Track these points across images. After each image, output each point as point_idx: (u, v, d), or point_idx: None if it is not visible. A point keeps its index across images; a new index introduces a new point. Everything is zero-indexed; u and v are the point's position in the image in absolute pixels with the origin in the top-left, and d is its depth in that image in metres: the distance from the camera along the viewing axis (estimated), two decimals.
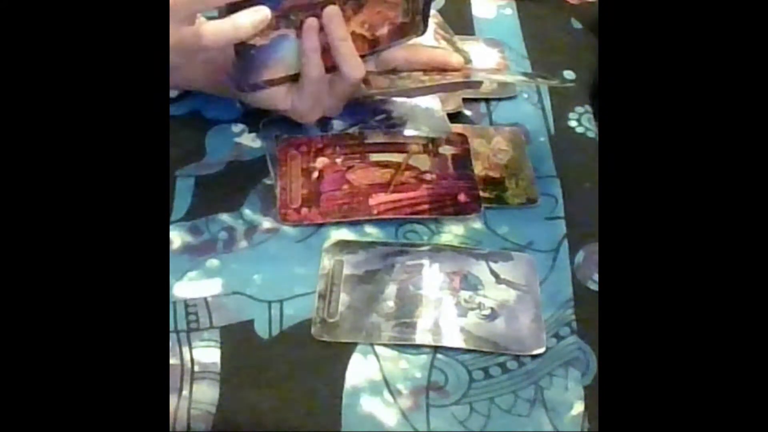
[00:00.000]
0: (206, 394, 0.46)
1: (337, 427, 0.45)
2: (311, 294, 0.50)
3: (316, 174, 0.57)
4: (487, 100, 0.64)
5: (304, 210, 0.55)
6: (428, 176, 0.57)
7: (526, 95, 0.65)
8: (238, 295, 0.50)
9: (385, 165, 0.57)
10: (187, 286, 0.51)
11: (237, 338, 0.48)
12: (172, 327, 0.48)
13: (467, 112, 0.63)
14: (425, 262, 0.52)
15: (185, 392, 0.46)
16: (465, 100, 0.63)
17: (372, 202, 0.55)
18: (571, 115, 0.63)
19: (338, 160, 0.58)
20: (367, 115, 0.61)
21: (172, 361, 0.47)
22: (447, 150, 0.59)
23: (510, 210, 0.56)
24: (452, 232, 0.55)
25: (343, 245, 0.53)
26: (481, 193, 0.57)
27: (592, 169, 0.58)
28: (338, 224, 0.54)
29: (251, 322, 0.49)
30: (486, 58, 0.67)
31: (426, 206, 0.55)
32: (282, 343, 0.48)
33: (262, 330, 0.49)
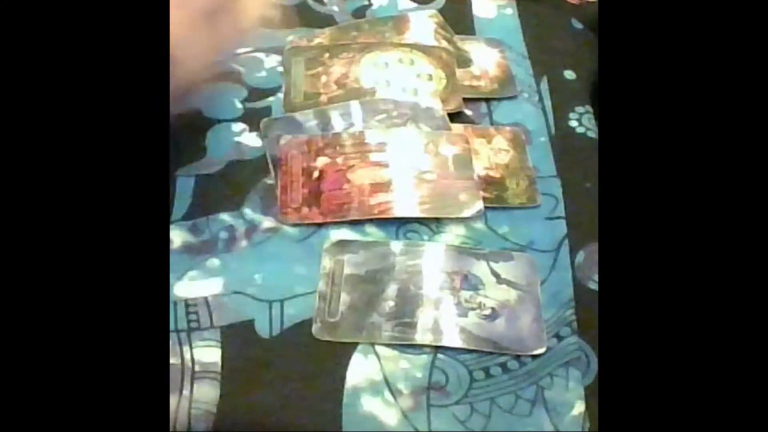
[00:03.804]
0: (207, 394, 0.46)
1: (338, 427, 0.45)
2: (312, 294, 0.50)
3: (316, 173, 0.57)
4: (487, 100, 0.64)
5: (305, 209, 0.55)
6: (429, 176, 0.57)
7: (526, 95, 0.65)
8: (238, 294, 0.50)
9: (385, 164, 0.57)
10: (188, 286, 0.51)
11: (237, 338, 0.48)
12: (172, 327, 0.48)
13: (468, 112, 0.63)
14: (426, 261, 0.52)
15: (186, 392, 0.46)
16: (465, 99, 0.63)
17: (372, 201, 0.55)
18: (571, 115, 0.63)
19: (339, 160, 0.58)
20: (367, 116, 0.61)
21: (172, 360, 0.47)
22: (448, 150, 0.59)
23: (510, 210, 0.56)
24: (453, 232, 0.55)
25: (344, 245, 0.53)
26: (482, 193, 0.56)
27: (592, 169, 0.58)
28: (339, 224, 0.54)
29: (252, 321, 0.49)
30: (486, 58, 0.67)
31: (427, 206, 0.55)
32: (283, 342, 0.48)
33: (262, 330, 0.49)
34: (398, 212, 0.55)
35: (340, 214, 0.55)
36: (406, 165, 0.57)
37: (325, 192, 0.56)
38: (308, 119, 0.61)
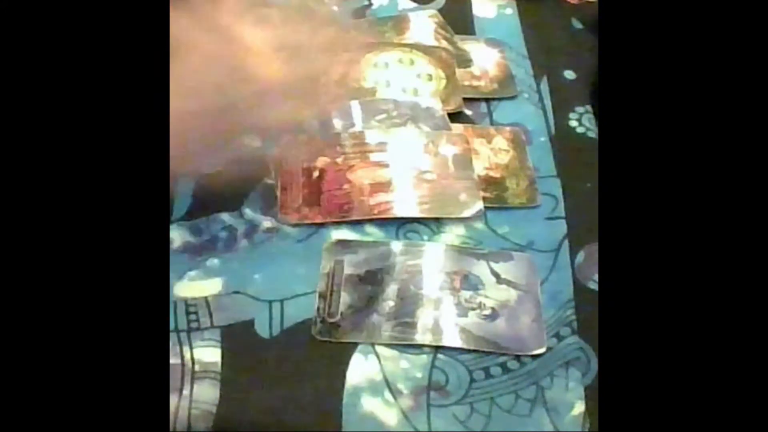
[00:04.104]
0: (207, 394, 0.46)
1: (338, 427, 0.45)
2: (312, 294, 0.50)
3: (316, 173, 0.57)
4: (487, 100, 0.64)
5: (305, 209, 0.55)
6: (429, 176, 0.57)
7: (526, 95, 0.65)
8: (238, 294, 0.50)
9: (385, 165, 0.57)
10: (188, 286, 0.51)
11: (237, 338, 0.48)
12: (172, 327, 0.48)
13: (468, 112, 0.63)
14: (426, 261, 0.52)
15: (186, 392, 0.46)
16: (466, 99, 0.63)
17: (372, 201, 0.55)
18: (571, 115, 0.63)
19: (339, 160, 0.58)
20: (367, 116, 0.61)
21: (172, 360, 0.47)
22: (448, 150, 0.59)
23: (510, 210, 0.56)
24: (453, 232, 0.55)
25: (344, 245, 0.53)
26: (482, 193, 0.56)
27: (592, 169, 0.58)
28: (339, 224, 0.54)
29: (252, 321, 0.49)
30: (486, 58, 0.67)
31: (426, 206, 0.55)
32: (282, 342, 0.48)
33: (262, 330, 0.49)
34: (398, 212, 0.55)
35: (340, 214, 0.54)
36: (406, 165, 0.57)
37: (325, 192, 0.56)
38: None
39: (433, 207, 0.55)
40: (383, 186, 0.56)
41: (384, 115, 0.61)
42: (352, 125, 0.60)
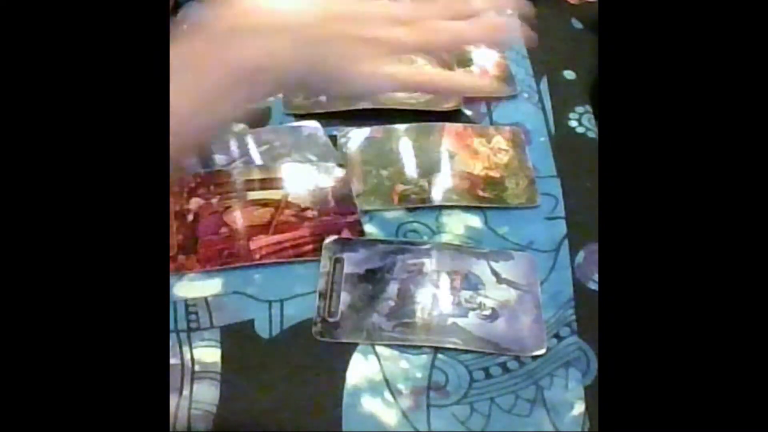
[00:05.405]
0: (207, 394, 0.46)
1: (338, 427, 0.45)
2: (311, 294, 0.50)
3: (191, 217, 0.53)
4: (487, 100, 0.64)
5: (181, 257, 0.51)
6: (309, 213, 0.54)
7: (526, 95, 0.65)
8: (238, 294, 0.50)
9: (263, 204, 0.54)
10: (188, 286, 0.51)
11: (237, 338, 0.48)
12: (172, 327, 0.48)
13: (467, 112, 0.63)
14: (426, 260, 0.52)
15: (186, 392, 0.46)
16: (465, 99, 0.63)
17: (253, 245, 0.52)
18: (571, 115, 0.63)
19: (214, 201, 0.54)
20: (249, 147, 0.58)
21: (172, 361, 0.47)
22: (327, 181, 0.56)
23: (510, 210, 0.56)
24: (453, 232, 0.55)
25: (344, 243, 0.53)
26: (481, 193, 0.56)
27: (592, 169, 0.58)
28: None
29: (251, 321, 0.49)
30: (486, 58, 0.67)
31: (309, 246, 0.53)
32: (282, 343, 0.48)
33: (262, 330, 0.49)
34: (285, 255, 0.52)
35: (220, 261, 0.51)
36: (285, 203, 0.54)
37: (202, 237, 0.52)
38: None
39: (316, 246, 0.52)
40: (263, 227, 0.53)
41: (266, 146, 0.58)
42: (234, 160, 0.56)
